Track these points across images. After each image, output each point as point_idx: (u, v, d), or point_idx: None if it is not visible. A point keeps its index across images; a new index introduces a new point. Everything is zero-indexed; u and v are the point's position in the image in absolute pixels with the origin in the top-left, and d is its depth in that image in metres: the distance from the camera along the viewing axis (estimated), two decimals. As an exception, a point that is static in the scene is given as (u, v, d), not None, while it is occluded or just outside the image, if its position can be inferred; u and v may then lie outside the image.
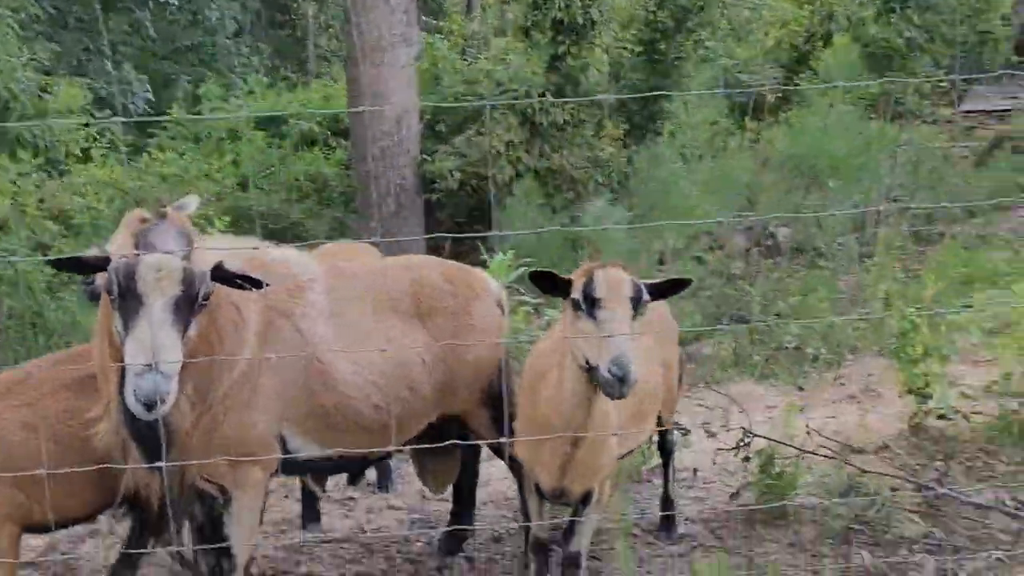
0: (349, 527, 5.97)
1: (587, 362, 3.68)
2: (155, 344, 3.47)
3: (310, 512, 6.00)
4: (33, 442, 4.06)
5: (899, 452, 6.50)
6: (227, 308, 4.07)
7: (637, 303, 3.72)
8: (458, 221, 12.58)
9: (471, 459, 5.28)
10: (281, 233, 11.47)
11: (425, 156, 12.74)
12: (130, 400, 3.50)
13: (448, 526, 5.46)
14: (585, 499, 4.25)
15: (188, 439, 3.96)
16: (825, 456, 6.22)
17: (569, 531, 4.39)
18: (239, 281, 3.85)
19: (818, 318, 9.21)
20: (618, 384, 3.52)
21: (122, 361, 3.59)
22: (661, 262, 11.27)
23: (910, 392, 6.62)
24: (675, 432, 5.68)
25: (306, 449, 4.40)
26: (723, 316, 10.04)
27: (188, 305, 3.62)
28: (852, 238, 11.54)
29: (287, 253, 4.52)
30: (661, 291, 3.90)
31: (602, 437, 4.03)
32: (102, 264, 3.65)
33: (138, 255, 3.60)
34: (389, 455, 5.05)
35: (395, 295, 4.68)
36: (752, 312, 9.91)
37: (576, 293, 3.73)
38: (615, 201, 12.02)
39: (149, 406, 3.44)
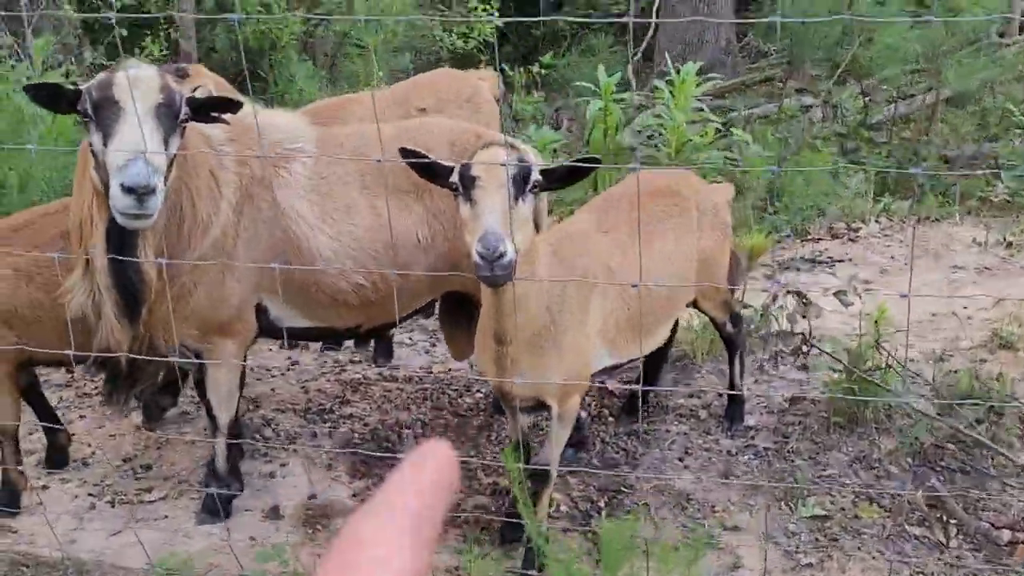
0: (418, 367, 5.91)
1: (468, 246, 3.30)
2: (139, 138, 3.37)
3: (384, 347, 5.96)
4: (23, 288, 4.16)
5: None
6: (203, 174, 3.93)
7: (523, 183, 3.27)
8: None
9: None
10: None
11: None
12: (117, 197, 3.36)
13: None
14: (542, 408, 3.88)
15: (159, 303, 3.90)
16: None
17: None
18: (214, 112, 3.72)
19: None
20: (488, 265, 3.09)
21: (106, 206, 3.54)
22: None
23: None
24: (740, 319, 5.08)
25: (289, 319, 4.28)
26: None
27: (169, 117, 3.51)
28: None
29: (275, 117, 4.25)
30: (557, 176, 3.42)
31: (537, 338, 3.61)
32: (76, 95, 3.53)
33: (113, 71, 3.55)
34: (386, 327, 4.77)
35: (389, 168, 4.31)
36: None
37: (454, 176, 3.31)
38: None
39: (141, 196, 3.32)
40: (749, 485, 4.69)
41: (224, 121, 3.77)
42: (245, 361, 4.39)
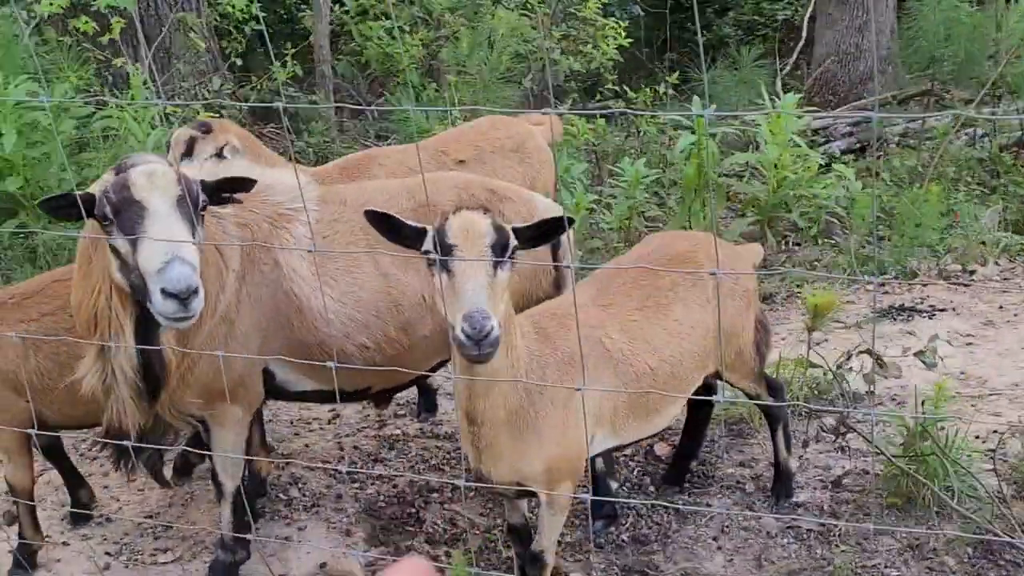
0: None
1: (445, 318, 3.12)
2: (172, 238, 3.28)
3: (427, 400, 5.81)
4: (33, 357, 4.20)
5: None
6: (210, 251, 3.81)
7: (502, 250, 3.07)
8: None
9: None
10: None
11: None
12: (160, 304, 3.26)
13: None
14: (527, 495, 3.63)
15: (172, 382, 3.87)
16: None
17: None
18: (227, 193, 3.64)
19: None
20: (474, 346, 2.90)
21: (131, 301, 3.49)
22: None
23: None
24: (781, 388, 4.70)
25: (296, 383, 4.18)
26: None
27: (192, 206, 3.41)
28: None
29: (275, 177, 4.11)
30: (534, 236, 3.22)
31: (514, 419, 3.38)
32: (90, 200, 3.41)
33: (126, 169, 3.45)
34: (399, 389, 4.60)
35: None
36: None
37: (427, 244, 3.11)
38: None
39: (185, 299, 3.23)
40: (783, 573, 4.32)
41: (238, 201, 3.69)
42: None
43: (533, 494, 3.65)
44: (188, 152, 4.72)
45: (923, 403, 4.71)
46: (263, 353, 4.01)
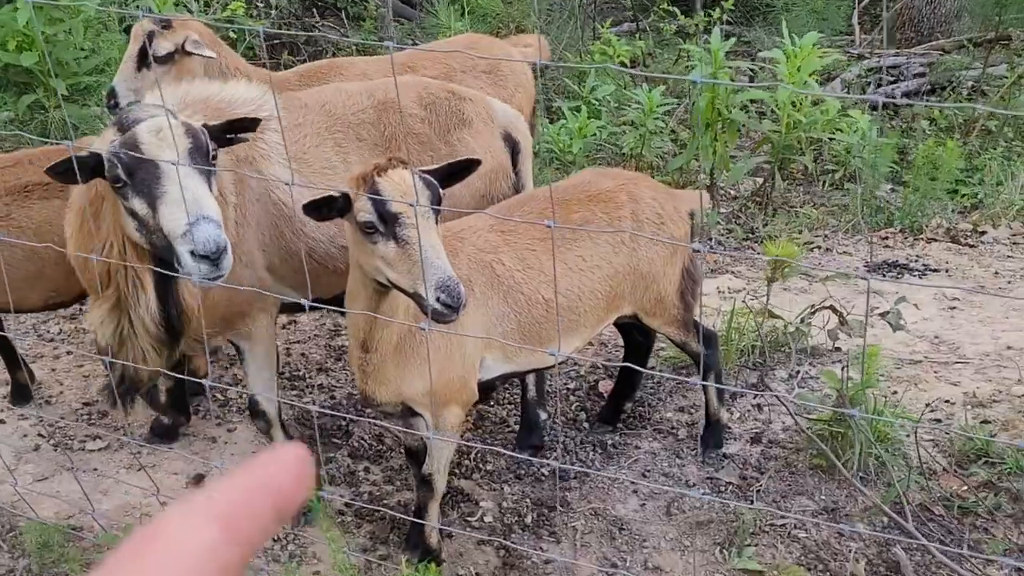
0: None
1: (392, 283, 3.08)
2: (192, 196, 3.09)
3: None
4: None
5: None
6: None
7: (438, 203, 3.05)
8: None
9: None
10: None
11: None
12: (190, 266, 3.10)
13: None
14: (411, 413, 3.65)
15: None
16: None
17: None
18: (230, 135, 3.46)
19: None
20: (452, 312, 2.94)
21: (149, 255, 3.39)
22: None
23: None
24: (713, 338, 4.62)
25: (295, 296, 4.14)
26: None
27: (203, 159, 3.22)
28: None
29: (232, 91, 4.02)
30: (450, 176, 3.21)
31: (401, 344, 3.41)
32: (94, 160, 3.21)
33: (130, 126, 3.24)
34: None
35: (357, 122, 4.14)
36: None
37: (364, 214, 3.00)
38: None
39: (215, 258, 3.07)
40: (691, 523, 4.29)
41: (244, 140, 3.54)
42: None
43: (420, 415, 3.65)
44: (146, 47, 4.66)
45: (846, 367, 4.60)
46: (266, 267, 3.99)
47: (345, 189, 3.08)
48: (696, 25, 11.27)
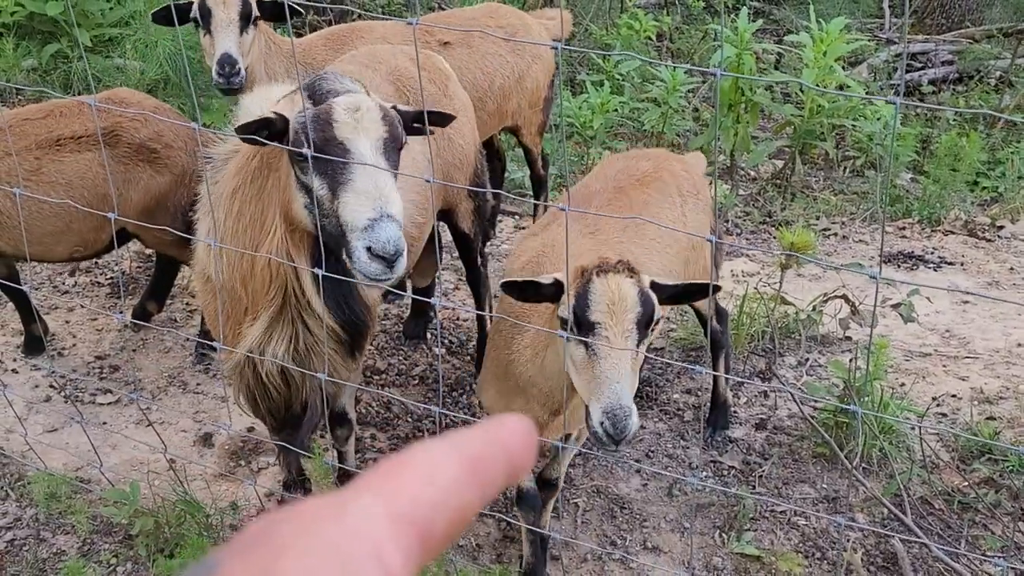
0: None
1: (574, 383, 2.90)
2: (378, 189, 2.84)
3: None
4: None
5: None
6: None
7: (646, 324, 2.77)
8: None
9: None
10: None
11: None
12: (363, 263, 2.83)
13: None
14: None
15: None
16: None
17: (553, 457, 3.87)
18: (419, 124, 3.15)
19: None
20: (611, 443, 2.71)
21: (308, 239, 3.10)
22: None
23: None
24: (726, 315, 4.62)
25: None
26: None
27: (394, 152, 2.97)
28: None
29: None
30: (676, 297, 3.00)
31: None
32: (282, 123, 2.95)
33: (325, 98, 3.00)
34: None
35: (376, 82, 4.10)
36: None
37: (564, 311, 2.81)
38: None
39: (392, 260, 2.81)
40: (692, 505, 4.31)
41: (429, 132, 3.21)
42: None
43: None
44: (250, 8, 4.69)
45: (855, 358, 4.60)
46: None
47: (559, 276, 2.88)
48: (724, 3, 11.21)
